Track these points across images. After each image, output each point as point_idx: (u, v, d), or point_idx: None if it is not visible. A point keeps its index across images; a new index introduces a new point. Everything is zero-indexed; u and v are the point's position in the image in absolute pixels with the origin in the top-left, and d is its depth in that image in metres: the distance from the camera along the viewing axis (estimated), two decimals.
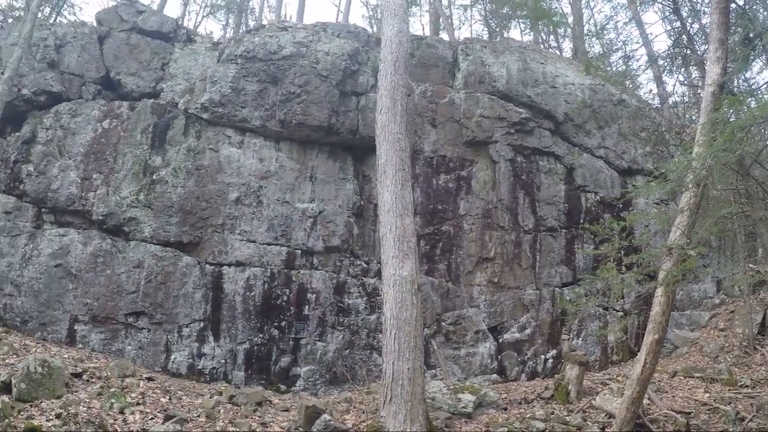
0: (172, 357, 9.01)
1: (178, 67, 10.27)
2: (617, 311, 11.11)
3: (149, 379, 8.36)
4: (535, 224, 10.63)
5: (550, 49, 14.13)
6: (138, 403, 7.37)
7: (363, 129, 10.02)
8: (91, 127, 9.60)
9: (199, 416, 7.30)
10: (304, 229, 9.63)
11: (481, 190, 10.36)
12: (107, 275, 9.17)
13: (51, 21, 11.87)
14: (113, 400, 7.13)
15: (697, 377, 9.20)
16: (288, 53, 9.78)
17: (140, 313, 9.09)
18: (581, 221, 10.97)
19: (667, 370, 9.96)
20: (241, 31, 12.88)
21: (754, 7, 9.84)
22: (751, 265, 11.55)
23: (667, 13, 11.39)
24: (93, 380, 7.85)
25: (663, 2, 11.02)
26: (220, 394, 8.18)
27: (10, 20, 11.79)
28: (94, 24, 10.49)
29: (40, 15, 10.03)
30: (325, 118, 9.70)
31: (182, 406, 7.76)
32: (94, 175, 9.44)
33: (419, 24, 17.68)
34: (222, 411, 7.65)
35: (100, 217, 9.33)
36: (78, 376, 7.86)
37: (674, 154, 11.85)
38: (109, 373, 8.06)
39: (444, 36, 13.22)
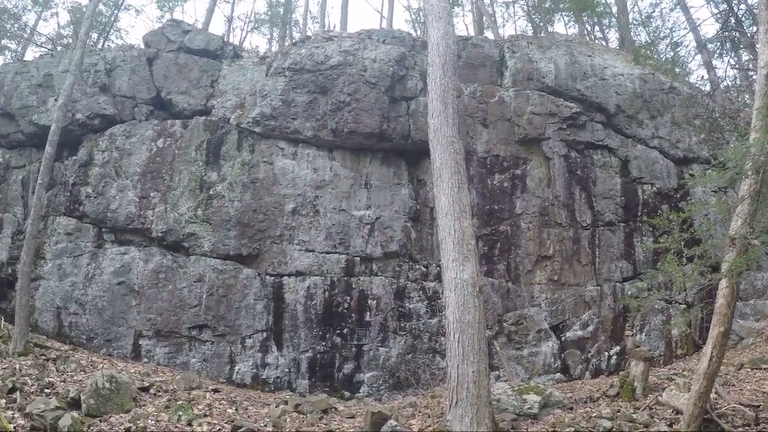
0: (237, 368, 8.95)
1: (227, 83, 10.24)
2: (680, 304, 10.61)
3: (215, 390, 8.36)
4: (593, 219, 10.24)
5: (596, 41, 13.68)
6: (205, 415, 7.32)
7: (415, 133, 9.81)
8: (145, 146, 9.62)
9: (265, 426, 7.21)
10: (361, 236, 9.46)
11: (536, 188, 10.04)
12: (169, 290, 9.16)
13: (99, 46, 12.01)
14: (180, 413, 7.10)
15: (765, 369, 8.70)
16: (335, 63, 9.65)
17: (203, 326, 9.06)
18: (639, 214, 10.54)
19: (733, 362, 9.46)
20: (286, 43, 12.81)
21: None
22: None
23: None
24: (160, 394, 7.89)
25: None
26: (286, 403, 8.13)
27: (59, 48, 11.93)
28: (142, 46, 10.54)
29: (88, 41, 10.08)
30: (377, 125, 9.53)
31: (248, 417, 7.71)
32: (152, 194, 9.44)
33: (462, 24, 17.43)
34: (288, 420, 7.61)
35: (160, 234, 9.33)
36: (145, 390, 7.92)
37: (729, 140, 11.35)
38: (175, 386, 8.10)
39: (488, 35, 12.94)
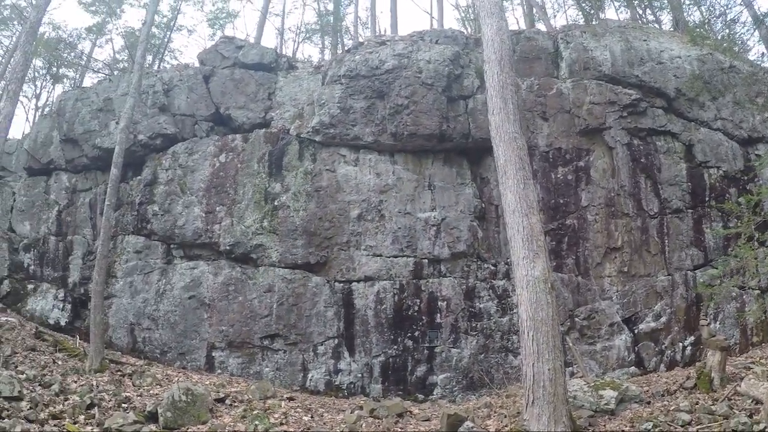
0: (310, 375, 8.87)
1: (284, 94, 10.17)
2: (754, 290, 10.08)
3: (290, 398, 8.31)
4: (660, 207, 9.78)
5: (649, 24, 13.17)
6: (281, 423, 7.21)
7: (475, 131, 9.54)
8: (208, 162, 9.60)
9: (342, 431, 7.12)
10: (428, 238, 9.23)
11: (600, 179, 9.64)
12: (240, 302, 9.11)
13: (155, 68, 12.09)
14: (257, 422, 7.01)
15: None
16: (390, 66, 9.46)
17: (275, 336, 9.00)
18: (707, 199, 10.03)
19: None
20: (339, 51, 12.66)
21: None
22: None
23: None
24: (235, 404, 7.83)
25: None
26: (361, 408, 8.03)
27: (116, 72, 12.05)
28: (197, 65, 10.56)
29: (144, 64, 10.11)
30: (436, 126, 9.29)
31: (324, 423, 7.60)
32: (217, 208, 9.40)
33: (513, 18, 16.93)
34: (364, 425, 7.32)
35: (228, 247, 9.28)
36: (220, 401, 7.86)
37: None
38: (250, 396, 8.03)
39: (540, 27, 12.54)
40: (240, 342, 9.05)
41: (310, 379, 8.85)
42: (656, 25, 13.35)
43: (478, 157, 9.80)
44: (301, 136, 9.57)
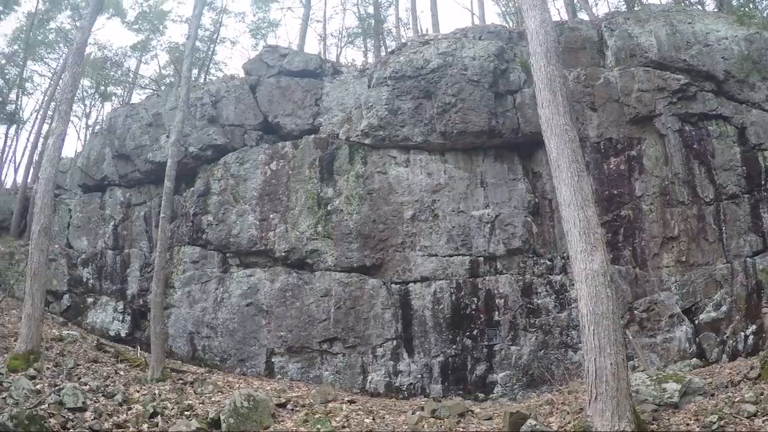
0: (369, 377, 8.77)
1: (330, 99, 10.11)
2: None
3: (351, 401, 8.18)
4: (716, 194, 9.42)
5: (693, 6, 12.81)
6: (343, 427, 7.17)
7: (524, 126, 9.33)
8: (259, 171, 9.58)
9: None
10: (483, 235, 9.06)
11: (653, 168, 9.33)
12: (297, 307, 9.06)
13: (201, 80, 12.15)
14: (319, 426, 6.97)
15: None
16: (435, 65, 9.30)
17: (333, 339, 8.94)
18: (763, 183, 9.60)
19: None
20: (382, 53, 12.59)
21: None
22: None
23: None
24: (297, 408, 7.77)
25: None
26: (422, 409, 7.86)
27: (163, 87, 12.15)
28: (243, 75, 10.56)
29: (191, 77, 10.14)
30: (485, 122, 9.11)
31: (386, 425, 7.45)
32: (271, 215, 9.38)
33: (554, 9, 16.57)
34: (426, 426, 7.18)
35: (283, 254, 9.25)
36: (282, 406, 7.81)
37: None
38: (311, 400, 7.98)
39: (582, 16, 12.28)
40: (299, 347, 9.01)
41: (370, 382, 8.74)
42: (700, 7, 12.96)
43: (529, 151, 9.59)
44: (351, 139, 9.49)
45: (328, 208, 9.19)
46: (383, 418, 7.75)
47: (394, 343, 8.83)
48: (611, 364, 5.91)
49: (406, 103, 9.30)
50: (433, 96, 9.25)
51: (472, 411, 8.02)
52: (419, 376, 8.72)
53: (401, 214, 9.08)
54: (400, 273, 8.99)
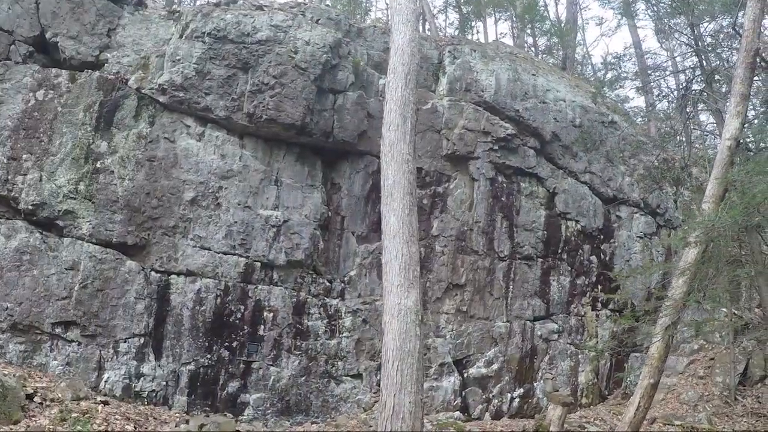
0: (105, 376, 13.02)
1: (126, 35, 14.69)
2: (590, 351, 17.51)
3: (104, 403, 12.07)
4: (511, 251, 16.70)
5: (541, 58, 20.73)
6: (106, 431, 11.02)
7: (338, 132, 15.25)
8: (21, 96, 13.61)
9: None
10: (266, 239, 14.60)
11: (456, 210, 16.17)
12: (33, 276, 12.95)
13: None
14: (79, 427, 10.45)
15: (678, 425, 15.57)
16: (263, 37, 14.67)
17: (71, 323, 12.98)
18: (559, 251, 17.30)
19: (645, 416, 16.36)
20: (206, 1, 17.23)
21: None
22: (735, 311, 18.50)
23: (685, 52, 18.42)
24: (47, 403, 11.28)
25: (684, 41, 17.93)
26: (187, 422, 12.30)
27: None
28: None
29: None
30: (299, 116, 14.71)
31: None
32: (24, 156, 13.43)
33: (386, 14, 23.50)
34: None
35: (30, 207, 13.21)
36: (29, 397, 11.08)
37: (663, 187, 18.76)
38: (61, 395, 11.60)
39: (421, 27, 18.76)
40: (27, 325, 12.66)
41: (106, 381, 12.97)
42: (535, 55, 21.16)
43: (334, 159, 15.60)
44: (143, 91, 14.19)
45: (98, 165, 13.68)
46: (145, 427, 11.85)
47: (142, 340, 13.39)
48: (409, 402, 9.88)
49: (219, 69, 14.46)
50: (251, 70, 14.61)
51: None
52: (164, 383, 13.36)
53: (181, 193, 14.07)
54: (164, 261, 13.90)
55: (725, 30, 17.68)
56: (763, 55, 14.70)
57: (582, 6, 29.34)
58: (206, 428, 12.01)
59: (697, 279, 12.41)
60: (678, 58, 21.13)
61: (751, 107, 14.97)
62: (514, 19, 22.67)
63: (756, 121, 14.80)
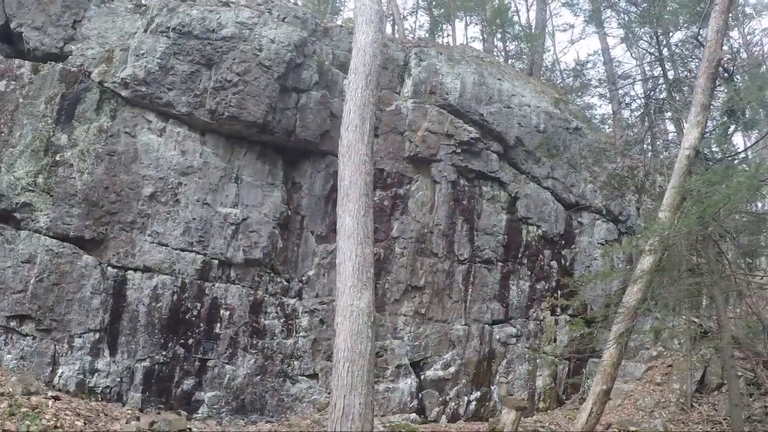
0: (60, 371, 13.50)
1: (92, 27, 15.16)
2: (548, 356, 18.30)
3: (55, 398, 12.48)
4: (471, 254, 17.40)
5: (509, 63, 21.48)
6: (55, 427, 11.30)
7: (300, 131, 15.86)
8: None
9: None
10: (224, 236, 15.15)
11: (417, 212, 16.84)
12: None
13: None
14: (28, 422, 10.88)
15: (632, 431, 16.35)
16: (228, 34, 15.21)
17: (26, 317, 13.44)
18: (519, 255, 18.03)
19: (601, 421, 17.06)
20: None
21: (745, 77, 17.47)
22: (694, 319, 19.31)
23: (650, 60, 19.24)
24: None
25: (648, 50, 18.71)
26: (138, 419, 12.77)
27: None
28: None
29: None
30: (262, 115, 15.29)
31: None
32: None
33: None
34: None
35: None
36: None
37: (625, 194, 19.57)
38: (11, 389, 11.97)
39: (388, 28, 19.38)
40: None
41: (60, 376, 13.44)
42: (504, 60, 21.94)
43: (296, 159, 16.22)
44: (105, 84, 14.69)
45: (57, 158, 14.14)
46: (95, 423, 12.38)
47: (97, 336, 13.89)
48: (360, 403, 10.06)
49: (183, 65, 15.00)
50: (215, 67, 15.15)
51: (191, 430, 13.36)
52: (119, 379, 13.90)
53: (140, 188, 14.59)
54: (121, 256, 14.41)
55: (690, 40, 18.51)
56: (726, 65, 15.47)
57: (553, 12, 30.90)
58: (157, 426, 12.48)
59: (651, 287, 12.97)
60: (645, 67, 22.11)
61: (712, 119, 15.68)
62: (484, 23, 23.63)
63: (716, 131, 15.50)
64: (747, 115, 15.76)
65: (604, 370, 12.80)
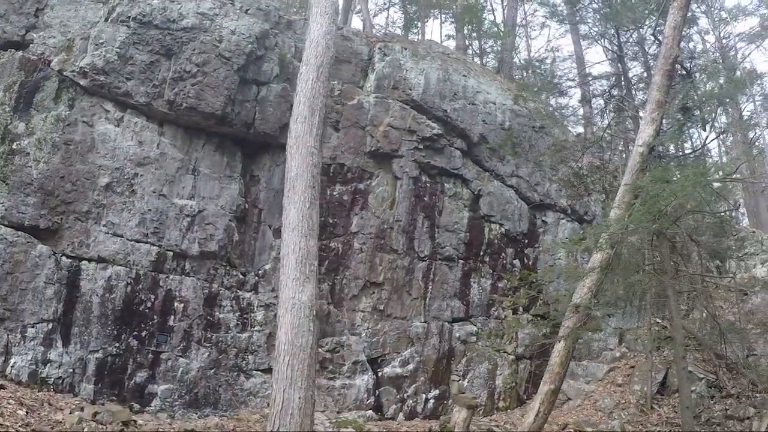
0: (12, 361, 14.07)
1: (54, 15, 15.93)
2: (509, 355, 19.15)
3: (0, 387, 13.09)
4: (432, 251, 18.27)
5: (475, 59, 22.34)
6: None
7: (259, 124, 16.67)
8: None
9: None
10: (179, 228, 15.89)
11: (377, 207, 17.68)
12: None
13: None
14: None
15: None
16: (189, 24, 15.98)
17: None
18: (481, 253, 18.90)
19: (557, 421, 18.01)
20: None
21: (702, 76, 18.35)
22: (657, 320, 20.19)
23: (610, 58, 20.15)
24: None
25: (608, 47, 19.60)
26: (82, 409, 13.31)
27: None
28: None
29: None
30: (220, 106, 16.07)
31: (41, 421, 12.12)
32: None
33: None
34: (87, 429, 12.34)
35: None
36: None
37: (591, 193, 20.49)
38: None
39: (356, 21, 20.17)
40: None
41: (13, 366, 13.98)
42: (478, 60, 22.82)
43: (255, 151, 17.02)
44: (65, 73, 15.39)
45: (14, 146, 14.80)
46: (38, 413, 12.55)
47: (50, 326, 14.49)
48: (299, 398, 10.64)
49: (142, 55, 15.73)
50: (174, 57, 15.90)
51: (136, 422, 13.96)
52: (71, 370, 14.50)
53: (96, 178, 15.31)
54: (75, 246, 15.10)
55: (648, 39, 19.38)
56: (683, 63, 16.29)
57: (528, 13, 32.11)
58: (100, 416, 13.00)
59: (600, 285, 13.59)
60: (606, 64, 23.08)
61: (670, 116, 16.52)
62: (453, 19, 24.48)
63: (671, 128, 16.32)
64: (702, 113, 16.54)
65: (551, 369, 13.44)
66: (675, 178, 13.59)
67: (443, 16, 27.18)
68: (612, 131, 21.09)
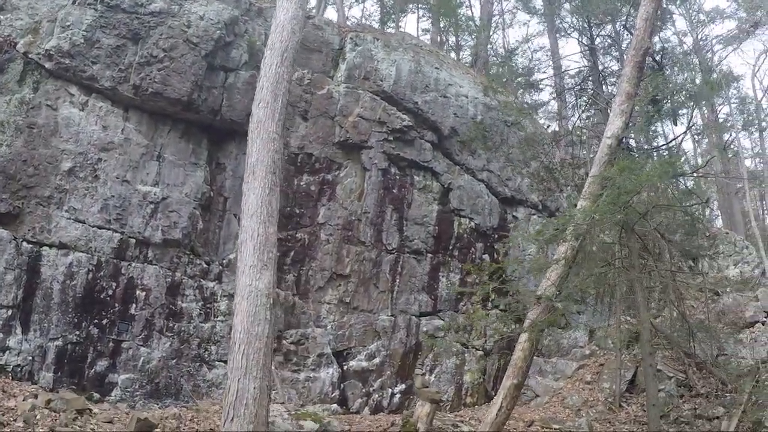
0: None
1: None
2: (477, 350, 19.65)
3: None
4: (400, 244, 18.77)
5: (450, 51, 22.89)
6: None
7: (226, 111, 17.11)
8: None
9: (15, 420, 12.24)
10: (143, 215, 16.26)
11: (345, 199, 18.15)
12: None
13: None
14: None
15: (555, 429, 17.72)
16: (157, 9, 16.38)
17: None
18: (450, 247, 19.40)
19: (524, 418, 18.50)
20: None
21: (675, 68, 18.96)
22: (628, 318, 20.72)
23: (582, 51, 20.77)
24: None
25: (580, 39, 20.20)
26: (35, 397, 13.64)
27: None
28: None
29: None
30: (187, 92, 16.48)
31: None
32: None
33: None
34: (39, 417, 12.57)
35: None
36: None
37: (564, 189, 21.04)
38: None
39: (331, 12, 20.70)
40: None
41: None
42: (454, 55, 23.40)
43: (221, 138, 17.45)
44: (30, 56, 15.73)
45: None
46: None
47: (10, 312, 14.73)
48: (254, 388, 10.65)
49: (109, 39, 16.09)
50: (141, 42, 16.29)
51: (91, 410, 14.19)
52: (30, 358, 14.76)
53: (59, 163, 15.63)
54: (36, 231, 15.40)
55: (623, 34, 19.94)
56: (653, 55, 16.82)
57: (505, 9, 32.78)
58: (53, 404, 13.22)
59: (565, 277, 13.87)
60: (575, 57, 23.71)
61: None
62: (429, 13, 25.03)
63: (640, 120, 16.81)
64: (673, 105, 17.07)
65: (515, 364, 13.70)
66: (643, 170, 13.89)
67: (421, 11, 28.12)
68: (583, 124, 21.65)
